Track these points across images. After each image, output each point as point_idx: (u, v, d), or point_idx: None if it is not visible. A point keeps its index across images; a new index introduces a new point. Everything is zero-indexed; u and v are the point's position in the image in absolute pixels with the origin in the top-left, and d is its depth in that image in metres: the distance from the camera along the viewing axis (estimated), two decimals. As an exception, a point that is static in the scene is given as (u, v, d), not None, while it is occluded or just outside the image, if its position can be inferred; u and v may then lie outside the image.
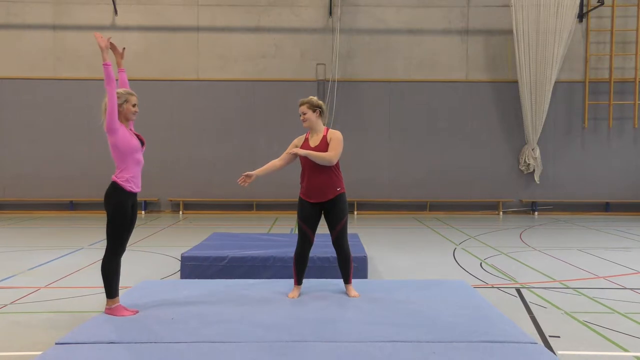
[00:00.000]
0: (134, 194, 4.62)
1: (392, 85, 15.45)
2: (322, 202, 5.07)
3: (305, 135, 5.28)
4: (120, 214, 4.51)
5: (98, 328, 4.14)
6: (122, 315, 4.45)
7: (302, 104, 5.18)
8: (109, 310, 4.49)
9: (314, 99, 5.18)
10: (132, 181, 4.57)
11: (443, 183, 15.42)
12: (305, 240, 5.12)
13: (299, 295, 5.12)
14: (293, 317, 4.43)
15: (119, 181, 4.53)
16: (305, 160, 5.09)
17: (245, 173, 5.09)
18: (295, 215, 5.22)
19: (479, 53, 15.51)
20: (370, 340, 3.90)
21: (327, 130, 5.18)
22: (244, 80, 15.33)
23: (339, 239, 5.09)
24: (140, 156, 4.64)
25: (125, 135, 4.51)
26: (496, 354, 3.65)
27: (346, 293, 5.17)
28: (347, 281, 5.19)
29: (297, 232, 5.22)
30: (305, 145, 5.17)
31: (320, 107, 5.17)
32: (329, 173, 5.05)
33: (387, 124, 15.46)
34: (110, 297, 4.51)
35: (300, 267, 5.16)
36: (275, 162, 5.25)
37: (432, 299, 4.98)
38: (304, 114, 5.14)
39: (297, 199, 5.19)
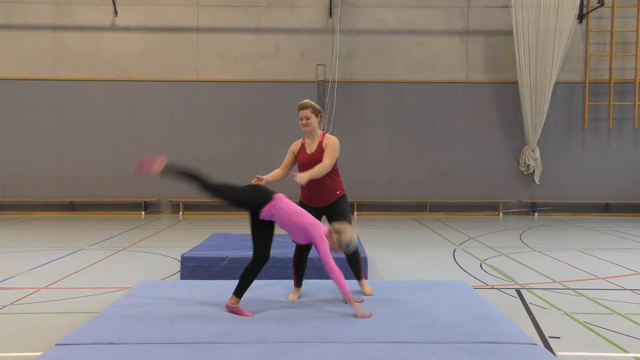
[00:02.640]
0: None
1: (392, 85, 15.45)
2: (323, 207, 5.06)
3: (301, 140, 5.21)
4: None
5: (98, 329, 4.14)
6: (243, 315, 4.47)
7: (304, 108, 5.04)
8: (230, 308, 4.55)
9: (314, 103, 5.12)
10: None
11: (443, 183, 15.42)
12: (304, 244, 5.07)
13: (299, 297, 5.09)
14: (293, 318, 4.43)
15: None
16: (303, 165, 5.04)
17: (257, 176, 4.97)
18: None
19: (479, 54, 15.52)
20: (370, 340, 3.90)
21: (324, 135, 5.10)
22: (243, 80, 15.33)
23: None
24: None
25: None
26: (496, 354, 3.65)
27: (361, 291, 5.14)
28: (359, 278, 5.17)
29: None
30: (301, 151, 5.13)
31: (321, 111, 5.11)
32: (328, 177, 5.00)
33: (387, 125, 15.46)
34: (238, 296, 4.57)
35: (299, 269, 5.13)
36: (278, 172, 5.20)
37: (432, 300, 4.98)
38: (307, 118, 5.02)
39: (296, 200, 5.16)
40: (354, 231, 4.60)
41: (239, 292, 4.58)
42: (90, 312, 5.24)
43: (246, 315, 4.48)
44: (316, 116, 5.06)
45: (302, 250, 5.11)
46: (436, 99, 15.48)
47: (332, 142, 5.04)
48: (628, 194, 15.52)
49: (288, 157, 5.25)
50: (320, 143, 5.05)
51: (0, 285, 6.60)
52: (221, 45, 15.36)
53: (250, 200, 4.60)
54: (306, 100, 5.13)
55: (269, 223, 4.60)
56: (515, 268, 7.81)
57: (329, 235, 4.58)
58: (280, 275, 6.28)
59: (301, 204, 5.09)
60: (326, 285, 5.51)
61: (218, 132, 15.36)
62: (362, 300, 4.61)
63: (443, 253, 9.10)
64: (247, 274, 4.59)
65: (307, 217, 4.58)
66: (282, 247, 6.98)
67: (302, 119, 5.06)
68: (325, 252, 4.44)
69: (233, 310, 4.54)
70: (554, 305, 5.74)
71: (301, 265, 5.13)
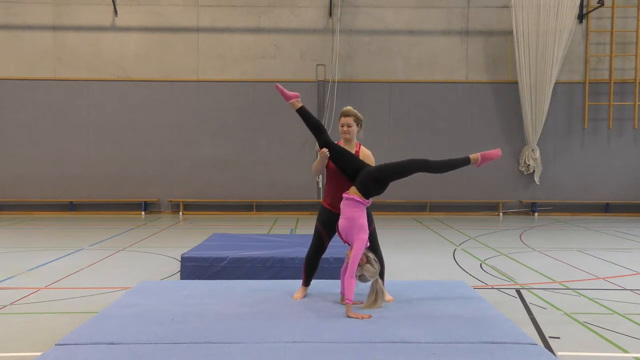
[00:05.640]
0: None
1: (392, 85, 15.45)
2: None
3: (338, 143, 5.01)
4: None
5: (98, 329, 4.14)
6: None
7: (348, 115, 4.90)
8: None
9: (357, 112, 4.99)
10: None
11: (443, 183, 15.39)
12: (320, 245, 4.98)
13: (304, 297, 5.03)
14: (293, 318, 4.43)
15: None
16: (332, 170, 4.89)
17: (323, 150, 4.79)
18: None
19: (479, 54, 15.52)
20: (370, 340, 3.90)
21: (360, 146, 4.98)
22: (243, 80, 15.33)
23: (371, 247, 4.86)
24: None
25: None
26: (496, 354, 3.65)
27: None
28: None
29: (312, 234, 5.06)
30: None
31: (362, 121, 4.99)
32: None
33: (387, 125, 15.45)
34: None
35: (310, 269, 5.04)
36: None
37: (432, 300, 4.98)
38: (349, 126, 4.89)
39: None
40: (375, 275, 4.62)
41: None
42: (90, 312, 5.24)
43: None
44: (357, 125, 4.96)
45: (317, 252, 5.02)
46: (436, 99, 15.48)
47: (370, 158, 4.98)
48: (628, 194, 15.52)
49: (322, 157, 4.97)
50: (357, 154, 4.95)
51: (0, 285, 6.60)
52: (221, 45, 15.36)
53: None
54: (349, 108, 5.00)
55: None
56: (515, 268, 7.81)
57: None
58: (281, 275, 6.27)
59: (323, 208, 4.93)
60: (331, 286, 5.49)
61: (218, 132, 15.36)
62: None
63: (443, 253, 9.10)
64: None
65: (366, 220, 4.65)
66: (282, 247, 6.99)
67: (343, 126, 4.93)
68: (356, 257, 4.48)
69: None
70: (554, 305, 5.74)
71: (313, 266, 5.04)
